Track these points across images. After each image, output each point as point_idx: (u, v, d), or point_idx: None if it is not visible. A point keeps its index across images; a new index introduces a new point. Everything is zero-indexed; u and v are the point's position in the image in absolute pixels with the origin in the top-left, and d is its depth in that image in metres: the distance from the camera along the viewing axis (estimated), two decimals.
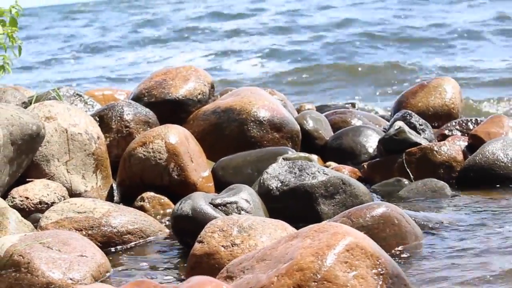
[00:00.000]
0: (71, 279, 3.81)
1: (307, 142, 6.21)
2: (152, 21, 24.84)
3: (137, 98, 6.14)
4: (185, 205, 4.42)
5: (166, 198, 5.18)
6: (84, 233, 4.42)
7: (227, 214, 4.36)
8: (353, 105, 8.08)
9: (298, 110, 7.13)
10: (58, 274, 3.81)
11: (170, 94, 6.08)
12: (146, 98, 6.10)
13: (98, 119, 5.66)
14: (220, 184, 5.31)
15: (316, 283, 3.21)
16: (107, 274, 4.01)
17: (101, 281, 3.89)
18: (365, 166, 5.76)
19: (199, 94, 6.15)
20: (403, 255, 4.00)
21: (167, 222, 4.87)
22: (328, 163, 5.91)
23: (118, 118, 5.72)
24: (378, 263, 3.33)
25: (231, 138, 5.87)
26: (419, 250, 4.09)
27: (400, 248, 4.06)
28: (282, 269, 3.28)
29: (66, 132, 5.11)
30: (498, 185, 5.26)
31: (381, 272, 3.32)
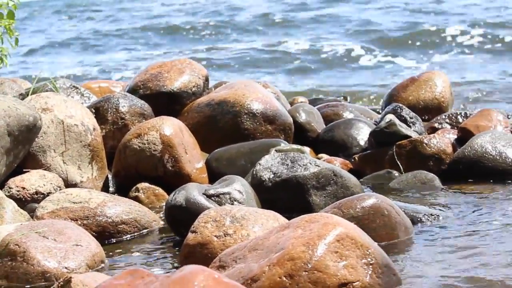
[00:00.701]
0: (66, 268, 3.81)
1: (300, 134, 6.20)
2: None
3: (133, 90, 6.13)
4: (179, 196, 4.41)
5: (160, 189, 5.17)
6: (79, 222, 4.41)
7: (220, 205, 4.35)
8: (345, 98, 8.07)
9: (291, 103, 7.12)
10: (54, 263, 3.81)
11: (165, 87, 6.06)
12: (141, 91, 6.09)
13: (94, 110, 5.64)
14: (214, 175, 5.30)
15: (306, 273, 3.21)
16: (102, 264, 4.01)
17: (96, 270, 3.88)
18: (356, 158, 5.75)
19: (194, 86, 6.13)
20: (393, 246, 3.99)
21: (162, 213, 4.86)
22: (320, 155, 5.90)
23: (114, 110, 5.71)
24: (368, 253, 3.33)
25: (225, 130, 5.85)
26: (408, 240, 4.09)
27: (389, 238, 4.05)
28: (274, 259, 3.28)
29: (63, 124, 5.10)
30: (486, 177, 5.25)
31: (371, 262, 3.32)
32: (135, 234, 4.54)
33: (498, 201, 4.76)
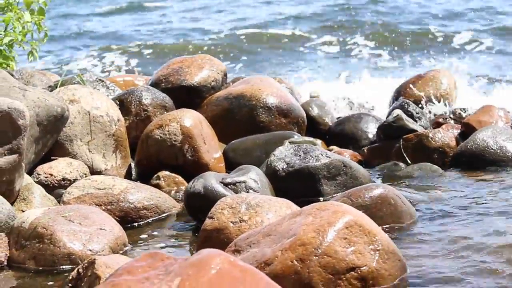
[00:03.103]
0: (90, 250, 3.80)
1: (312, 127, 6.19)
2: None
3: (155, 84, 6.12)
4: (198, 184, 4.39)
5: (180, 177, 5.16)
6: (103, 208, 4.41)
7: (236, 193, 4.34)
8: None
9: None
10: (79, 246, 3.81)
11: (185, 81, 6.05)
12: (163, 84, 6.08)
13: (118, 102, 5.63)
14: (231, 165, 5.29)
15: (317, 257, 3.19)
16: (124, 247, 4.00)
17: (118, 253, 3.87)
18: (365, 150, 5.73)
19: (213, 81, 6.12)
20: (399, 233, 3.97)
21: (181, 199, 4.85)
22: (331, 147, 5.88)
23: (137, 102, 5.70)
24: (375, 239, 3.31)
25: (242, 122, 5.84)
26: (413, 228, 4.07)
27: (396, 226, 4.03)
28: (286, 244, 3.26)
29: (89, 114, 5.09)
30: (487, 170, 5.22)
31: (378, 248, 3.30)
32: (156, 219, 4.53)
33: (499, 192, 4.72)
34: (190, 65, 6.17)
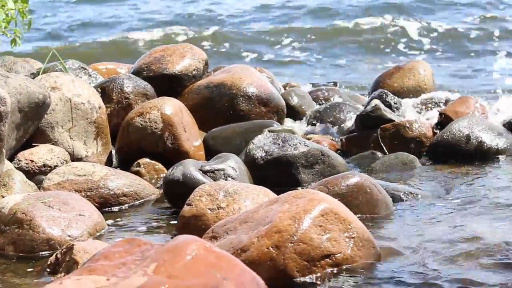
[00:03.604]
0: (69, 235, 3.79)
1: (292, 116, 6.20)
2: None
3: (137, 72, 6.11)
4: (177, 171, 4.39)
5: (160, 164, 5.15)
6: (83, 194, 4.39)
7: (215, 180, 4.34)
8: (335, 84, 8.03)
9: (284, 87, 7.09)
10: (58, 231, 3.79)
11: (167, 69, 6.04)
12: (145, 72, 6.06)
13: (100, 90, 5.61)
14: (211, 153, 5.28)
15: (292, 244, 3.20)
16: (103, 232, 3.99)
17: (97, 238, 3.86)
18: (343, 139, 5.73)
19: (194, 70, 6.11)
20: (374, 221, 3.98)
21: (161, 186, 4.84)
22: (310, 136, 5.89)
23: (119, 90, 5.68)
24: (350, 227, 3.31)
25: (222, 111, 5.83)
26: (389, 217, 4.08)
27: (371, 214, 4.04)
28: (262, 231, 3.26)
29: (70, 102, 5.07)
30: (462, 159, 5.24)
31: (352, 236, 3.31)
32: (135, 205, 4.52)
33: (474, 181, 4.74)
34: (172, 53, 6.15)
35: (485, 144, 5.30)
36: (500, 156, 5.28)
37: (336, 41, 11.84)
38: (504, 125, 5.55)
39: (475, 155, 5.27)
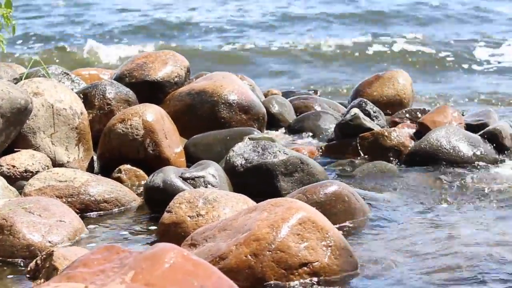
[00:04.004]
0: (49, 242, 3.78)
1: (272, 124, 6.20)
2: None
3: (119, 78, 6.09)
4: (157, 178, 4.39)
5: (141, 170, 5.13)
6: (64, 200, 4.38)
7: (195, 187, 4.33)
8: (316, 92, 8.04)
9: (265, 95, 7.10)
10: (38, 237, 3.78)
11: (149, 76, 6.03)
12: (127, 79, 6.05)
13: (82, 96, 5.59)
14: (192, 160, 5.26)
15: (270, 252, 3.21)
16: (83, 238, 3.98)
17: (77, 245, 3.85)
18: (322, 147, 5.74)
19: (176, 77, 6.10)
20: (352, 230, 3.99)
21: (142, 193, 4.83)
22: (291, 137, 5.91)
23: (101, 96, 5.67)
24: (327, 236, 3.33)
25: (203, 118, 5.83)
26: (366, 225, 4.09)
27: (349, 223, 4.05)
28: (241, 239, 3.27)
29: (52, 107, 5.04)
30: (440, 168, 5.26)
31: (330, 244, 3.32)
32: (116, 212, 4.50)
33: (450, 190, 4.77)
34: (154, 60, 6.14)
35: (461, 153, 5.33)
36: (476, 164, 5.31)
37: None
38: (480, 135, 5.58)
39: (452, 164, 5.30)
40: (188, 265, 2.66)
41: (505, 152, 5.55)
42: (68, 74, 6.10)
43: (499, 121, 5.94)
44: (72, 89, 5.73)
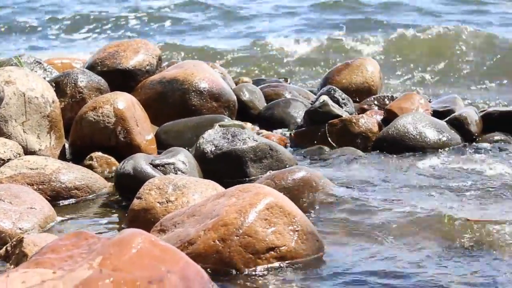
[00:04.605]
0: (20, 228, 3.75)
1: (243, 111, 6.19)
2: None
3: (91, 67, 6.06)
4: (127, 165, 4.37)
5: (112, 158, 5.10)
6: (35, 187, 4.35)
7: (165, 174, 4.32)
8: (286, 79, 8.05)
9: (236, 83, 7.09)
10: (8, 224, 3.75)
11: (121, 64, 6.01)
12: (99, 67, 6.02)
13: (54, 84, 5.55)
14: (163, 147, 5.25)
15: (238, 237, 3.20)
16: (54, 225, 3.95)
17: (48, 231, 3.83)
18: (292, 134, 5.74)
19: (148, 65, 6.08)
20: (319, 214, 3.99)
21: (113, 180, 4.80)
22: (260, 130, 5.89)
23: (73, 84, 5.64)
24: (294, 221, 3.33)
25: (174, 105, 5.82)
26: (333, 209, 4.09)
27: (316, 208, 4.05)
28: (209, 224, 3.26)
29: (24, 96, 5.00)
30: (407, 154, 5.29)
31: (297, 229, 3.32)
32: (87, 198, 4.48)
33: (416, 175, 4.79)
34: (126, 49, 6.12)
35: (427, 139, 5.35)
36: (441, 150, 5.34)
37: None
38: (446, 121, 5.61)
39: (419, 150, 5.32)
40: (155, 250, 2.66)
41: (471, 137, 5.58)
42: (40, 63, 6.05)
43: (465, 108, 5.97)
44: (45, 78, 5.69)
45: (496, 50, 10.09)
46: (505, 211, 3.96)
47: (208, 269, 3.10)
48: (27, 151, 4.93)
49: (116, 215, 4.21)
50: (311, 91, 7.04)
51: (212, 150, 4.73)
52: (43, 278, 2.56)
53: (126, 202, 4.31)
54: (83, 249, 2.73)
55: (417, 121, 5.42)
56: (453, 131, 5.52)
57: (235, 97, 6.01)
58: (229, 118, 5.63)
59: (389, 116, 5.68)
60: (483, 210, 3.97)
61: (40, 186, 4.38)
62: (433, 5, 13.86)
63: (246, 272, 3.17)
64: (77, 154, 5.21)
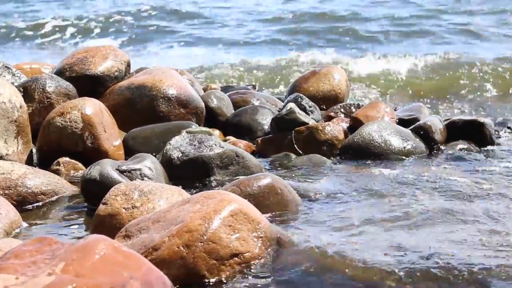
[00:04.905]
0: None
1: (211, 118, 6.20)
2: None
3: (60, 72, 6.04)
4: (94, 170, 4.35)
5: (80, 163, 5.08)
6: (1, 192, 4.32)
7: (131, 180, 4.31)
8: (254, 87, 8.06)
9: (205, 89, 7.09)
10: None
11: (89, 70, 5.99)
12: (68, 73, 6.00)
13: (22, 90, 5.52)
14: (130, 153, 5.24)
15: (202, 244, 3.20)
16: (19, 230, 3.93)
17: (13, 236, 3.80)
18: (259, 141, 5.75)
19: (116, 71, 6.07)
20: (284, 221, 4.00)
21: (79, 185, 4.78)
22: (228, 137, 5.89)
23: (41, 89, 5.61)
24: (259, 227, 3.33)
25: (142, 111, 5.81)
26: (298, 216, 4.10)
27: (281, 214, 4.06)
28: (173, 230, 3.26)
29: None
30: (372, 161, 5.31)
31: (261, 235, 3.32)
32: (53, 204, 4.45)
33: (380, 181, 4.81)
34: (94, 55, 6.10)
35: (392, 147, 5.39)
36: (406, 158, 5.38)
37: None
38: (411, 129, 5.65)
39: (384, 157, 5.35)
40: (118, 256, 2.65)
41: (435, 145, 5.62)
42: (9, 68, 6.01)
43: (430, 116, 6.02)
44: (13, 83, 5.65)
45: None
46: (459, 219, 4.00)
47: (172, 276, 3.10)
48: None
49: (83, 220, 4.19)
50: (279, 98, 7.06)
51: (179, 156, 4.73)
52: (6, 284, 2.54)
53: (92, 207, 4.30)
54: (47, 254, 2.72)
55: (382, 129, 5.45)
56: (417, 139, 5.56)
57: (203, 104, 6.02)
58: (197, 125, 5.63)
59: (355, 124, 5.71)
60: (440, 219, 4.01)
61: (6, 191, 4.35)
62: None
63: (210, 278, 3.17)
64: (44, 159, 5.19)
